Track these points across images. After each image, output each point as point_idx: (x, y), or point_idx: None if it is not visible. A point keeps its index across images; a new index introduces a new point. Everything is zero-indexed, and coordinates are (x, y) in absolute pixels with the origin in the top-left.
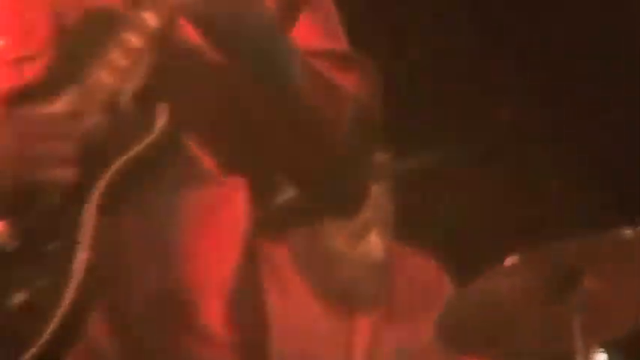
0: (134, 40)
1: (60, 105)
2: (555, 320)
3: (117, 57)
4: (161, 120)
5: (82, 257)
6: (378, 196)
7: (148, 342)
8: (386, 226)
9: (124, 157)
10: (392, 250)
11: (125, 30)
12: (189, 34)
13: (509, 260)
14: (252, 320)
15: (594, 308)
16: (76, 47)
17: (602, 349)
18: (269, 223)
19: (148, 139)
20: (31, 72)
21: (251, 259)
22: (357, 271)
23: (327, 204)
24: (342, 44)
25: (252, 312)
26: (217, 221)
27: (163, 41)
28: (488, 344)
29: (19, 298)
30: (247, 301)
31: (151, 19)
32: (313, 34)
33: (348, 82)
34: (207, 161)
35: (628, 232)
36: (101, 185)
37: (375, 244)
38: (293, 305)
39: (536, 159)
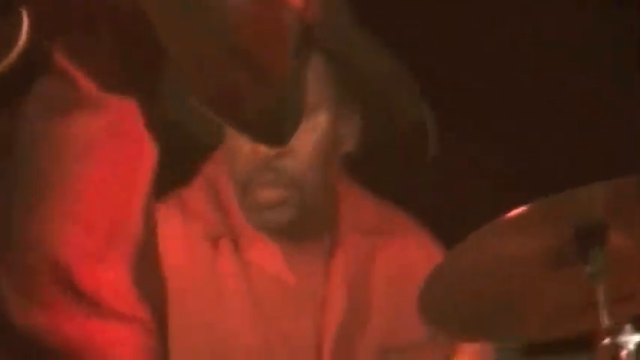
0: None
1: None
2: (572, 290)
3: None
4: (23, 30)
5: None
6: None
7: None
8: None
9: None
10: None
11: None
12: None
13: (514, 212)
14: (155, 292)
15: (624, 273)
16: None
17: (634, 325)
18: None
19: (7, 57)
20: None
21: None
22: (250, 166)
23: (254, 132)
24: None
25: (155, 280)
26: (106, 158)
27: None
28: (484, 324)
29: None
30: (150, 265)
31: None
32: None
33: None
34: (84, 80)
35: None
36: None
37: None
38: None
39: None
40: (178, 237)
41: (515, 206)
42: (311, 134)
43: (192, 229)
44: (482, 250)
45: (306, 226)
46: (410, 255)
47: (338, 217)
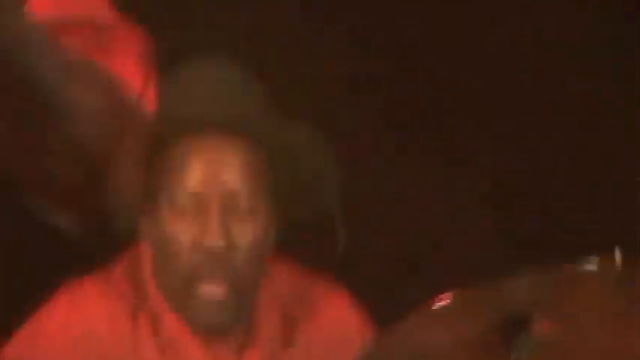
0: None
1: None
2: None
3: None
4: None
5: None
6: (216, 160)
7: None
8: (230, 207)
9: None
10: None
11: None
12: None
13: (441, 300)
14: None
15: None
16: None
17: None
18: None
19: None
20: None
21: None
22: (192, 259)
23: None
24: (104, 11)
25: None
26: None
27: None
28: None
29: None
30: None
31: None
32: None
33: (116, 62)
34: None
35: (592, 265)
36: None
37: (212, 224)
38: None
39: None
40: (101, 310)
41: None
42: (252, 232)
43: (115, 304)
44: (408, 341)
45: (234, 322)
46: (330, 324)
47: (259, 298)
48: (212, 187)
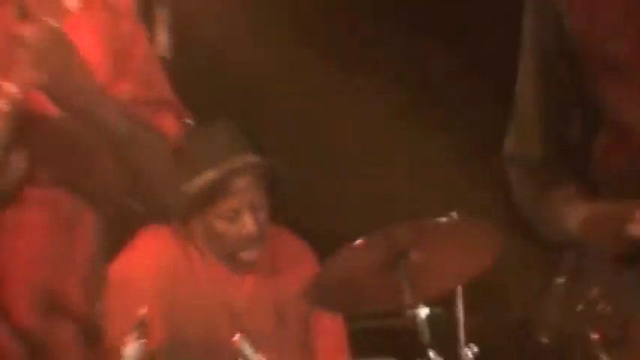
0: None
1: None
2: (390, 284)
3: None
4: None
5: None
6: (243, 188)
7: None
8: (254, 210)
9: None
10: (267, 228)
11: None
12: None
13: (358, 241)
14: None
15: (419, 275)
16: None
17: (425, 304)
18: None
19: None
20: None
21: None
22: (237, 242)
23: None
24: (159, 92)
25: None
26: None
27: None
28: (343, 303)
29: None
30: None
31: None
32: (134, 87)
33: (165, 123)
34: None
35: (445, 219)
36: None
37: (247, 222)
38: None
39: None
40: (176, 247)
41: None
42: (266, 219)
43: (180, 245)
44: (340, 267)
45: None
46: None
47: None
48: (245, 203)
